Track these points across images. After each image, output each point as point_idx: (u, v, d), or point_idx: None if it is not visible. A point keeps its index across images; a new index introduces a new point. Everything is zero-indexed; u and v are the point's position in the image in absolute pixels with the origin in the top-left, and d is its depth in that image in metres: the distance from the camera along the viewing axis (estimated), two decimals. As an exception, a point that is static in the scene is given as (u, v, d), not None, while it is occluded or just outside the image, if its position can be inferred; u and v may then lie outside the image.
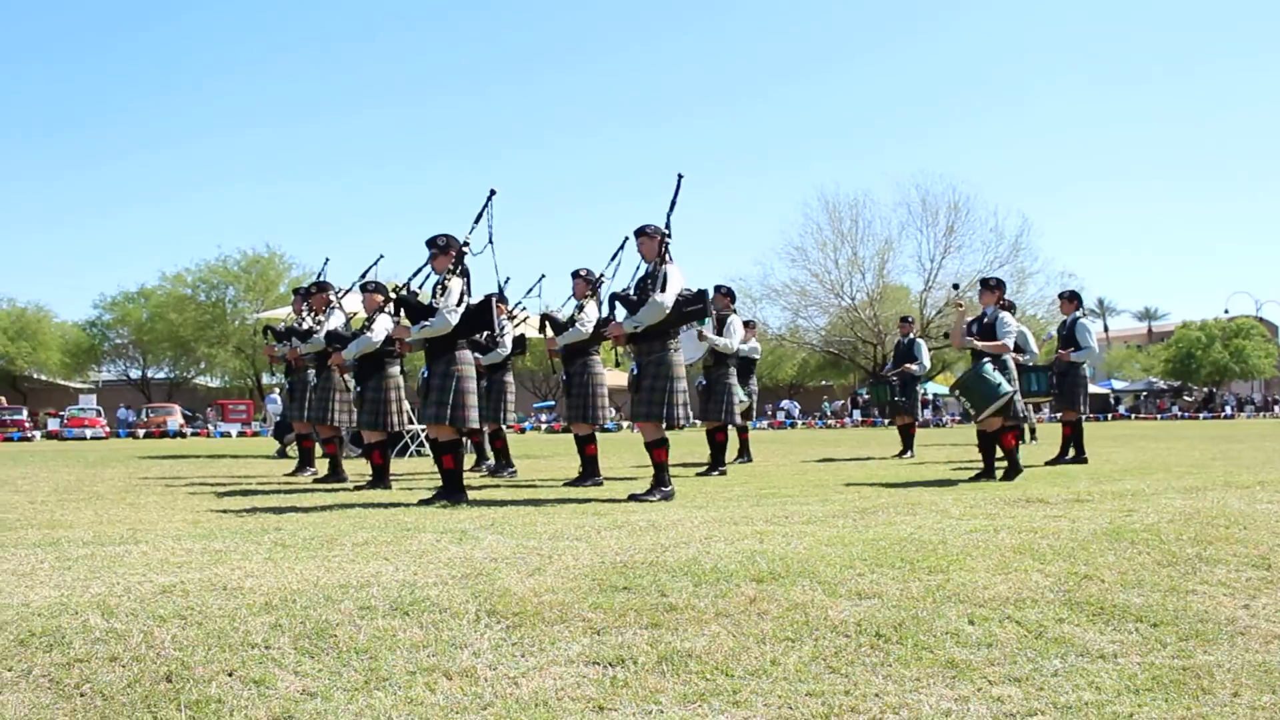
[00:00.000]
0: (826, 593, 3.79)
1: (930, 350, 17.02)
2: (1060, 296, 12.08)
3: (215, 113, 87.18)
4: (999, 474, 8.94)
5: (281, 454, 15.77)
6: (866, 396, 43.41)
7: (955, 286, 10.84)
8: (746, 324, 12.48)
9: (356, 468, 11.09)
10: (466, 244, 7.40)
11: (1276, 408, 58.71)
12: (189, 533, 5.41)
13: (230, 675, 2.91)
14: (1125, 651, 3.29)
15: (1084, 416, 11.50)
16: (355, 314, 10.85)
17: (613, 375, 11.74)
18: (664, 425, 7.45)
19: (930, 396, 45.27)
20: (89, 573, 4.07)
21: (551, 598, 3.62)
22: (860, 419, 44.21)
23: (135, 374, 57.41)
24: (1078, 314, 11.55)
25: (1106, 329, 76.57)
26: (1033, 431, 16.38)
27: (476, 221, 7.40)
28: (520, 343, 10.97)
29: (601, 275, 9.19)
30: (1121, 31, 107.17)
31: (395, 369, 9.11)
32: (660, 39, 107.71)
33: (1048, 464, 11.07)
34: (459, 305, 7.24)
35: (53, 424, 37.68)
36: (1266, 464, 10.30)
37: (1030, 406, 11.81)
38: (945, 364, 46.33)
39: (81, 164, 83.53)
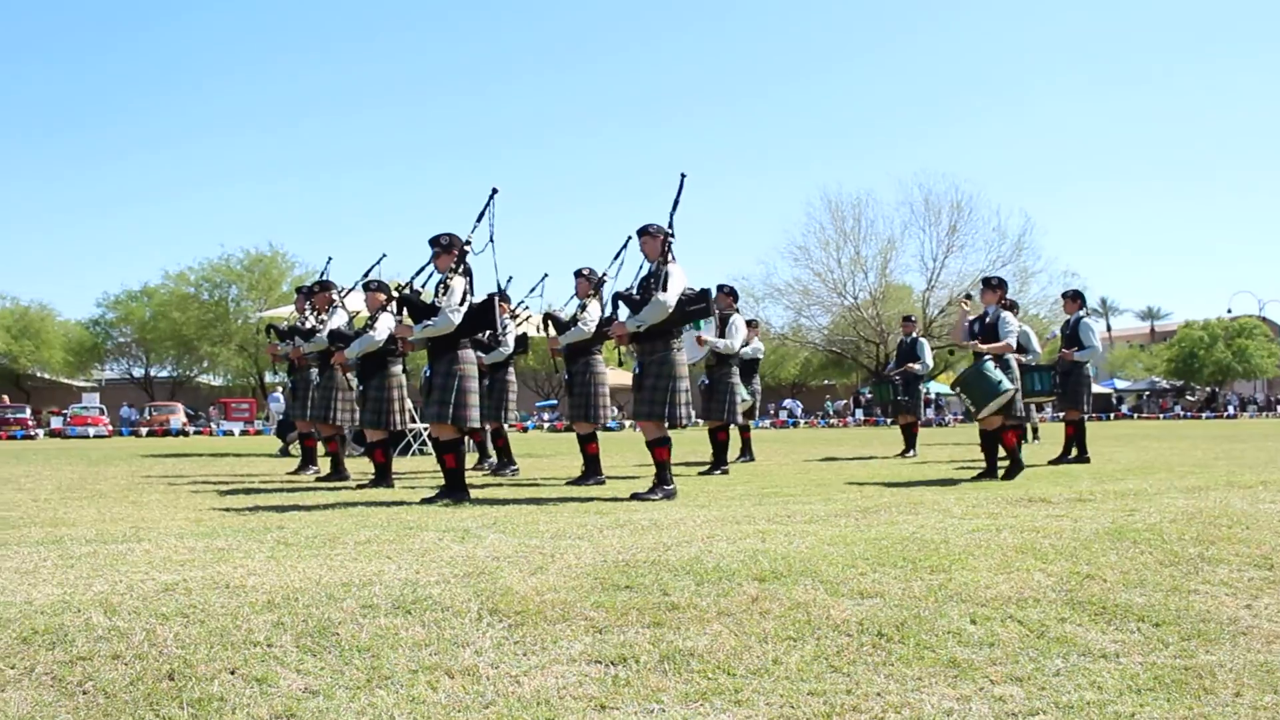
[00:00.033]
0: (829, 592, 3.79)
1: (933, 349, 17.00)
2: (1063, 296, 12.07)
3: (218, 112, 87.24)
4: (1001, 473, 8.94)
5: (284, 452, 15.78)
6: (869, 396, 43.43)
7: (968, 297, 10.86)
8: (749, 323, 12.47)
9: (359, 466, 11.09)
10: (468, 243, 7.40)
11: (1279, 407, 58.66)
12: (191, 531, 5.42)
13: (232, 673, 2.91)
14: (1127, 651, 3.29)
15: (1086, 416, 11.50)
16: (358, 313, 10.85)
17: (616, 374, 11.75)
18: (665, 424, 7.45)
19: (933, 396, 45.25)
20: (92, 571, 4.08)
21: (553, 596, 3.62)
22: (863, 418, 44.20)
23: (138, 372, 57.46)
24: (1081, 313, 11.55)
25: (1109, 328, 76.50)
26: (1035, 431, 16.37)
27: (479, 220, 7.40)
28: (523, 341, 10.98)
29: (604, 275, 9.19)
30: (1123, 30, 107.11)
31: (398, 368, 9.12)
32: (662, 38, 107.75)
33: (1051, 463, 11.07)
34: (461, 304, 7.25)
35: (56, 422, 37.72)
36: (1269, 464, 10.29)
37: (1033, 406, 11.81)
38: (948, 363, 46.32)
39: (84, 163, 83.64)
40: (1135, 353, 69.30)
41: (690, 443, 16.59)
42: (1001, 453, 9.08)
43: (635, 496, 7.29)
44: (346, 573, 3.99)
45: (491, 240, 7.43)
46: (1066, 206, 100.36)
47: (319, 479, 9.96)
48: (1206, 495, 6.75)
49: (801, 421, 45.04)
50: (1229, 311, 61.30)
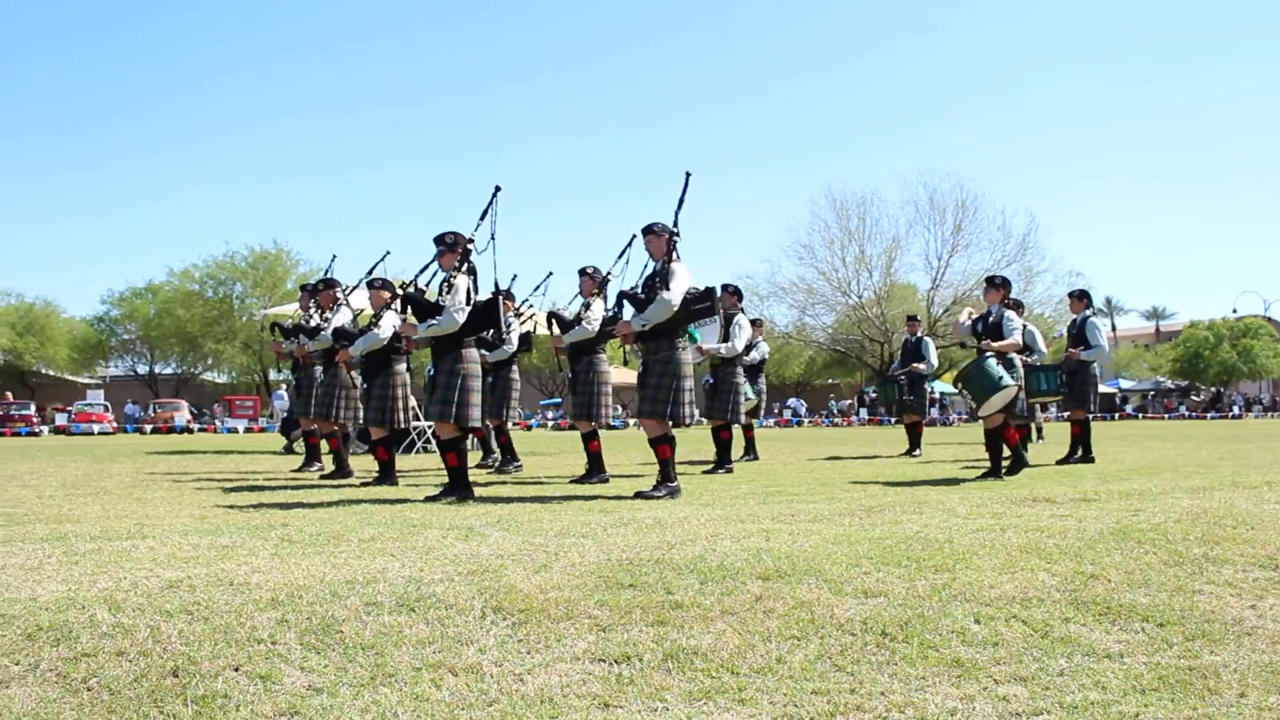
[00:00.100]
0: (832, 591, 3.79)
1: (938, 349, 17.01)
2: (1070, 295, 12.06)
3: (223, 109, 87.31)
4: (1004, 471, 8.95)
5: (288, 450, 15.81)
6: (874, 395, 43.43)
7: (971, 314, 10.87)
8: (754, 322, 12.46)
9: (363, 464, 11.10)
10: (472, 241, 7.41)
11: (1284, 408, 58.64)
12: (196, 528, 5.42)
13: (236, 670, 2.92)
14: (1131, 651, 3.29)
15: (1091, 416, 11.49)
16: (362, 311, 10.88)
17: (620, 373, 11.75)
18: (668, 422, 7.45)
19: (937, 395, 45.23)
20: (96, 567, 4.08)
21: (557, 595, 3.62)
22: (867, 417, 44.19)
23: (143, 370, 57.52)
24: (1087, 313, 11.54)
25: (1114, 328, 76.39)
26: (1039, 431, 16.35)
27: (482, 218, 7.41)
28: (526, 340, 10.98)
29: (609, 273, 9.19)
30: (1128, 29, 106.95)
31: (401, 366, 9.13)
32: (666, 36, 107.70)
33: (1058, 463, 11.06)
34: (465, 303, 7.26)
35: (60, 419, 37.83)
36: (1274, 464, 10.28)
37: (1037, 406, 11.80)
38: (952, 362, 46.29)
39: (89, 160, 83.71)
40: (1140, 353, 69.22)
41: (694, 441, 16.59)
42: (1006, 451, 9.08)
43: (639, 495, 7.29)
44: (350, 570, 3.99)
45: (493, 238, 7.44)
46: (1071, 206, 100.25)
47: (323, 476, 9.97)
48: (1211, 495, 6.74)
49: (806, 420, 45.03)
50: (1234, 311, 61.21)
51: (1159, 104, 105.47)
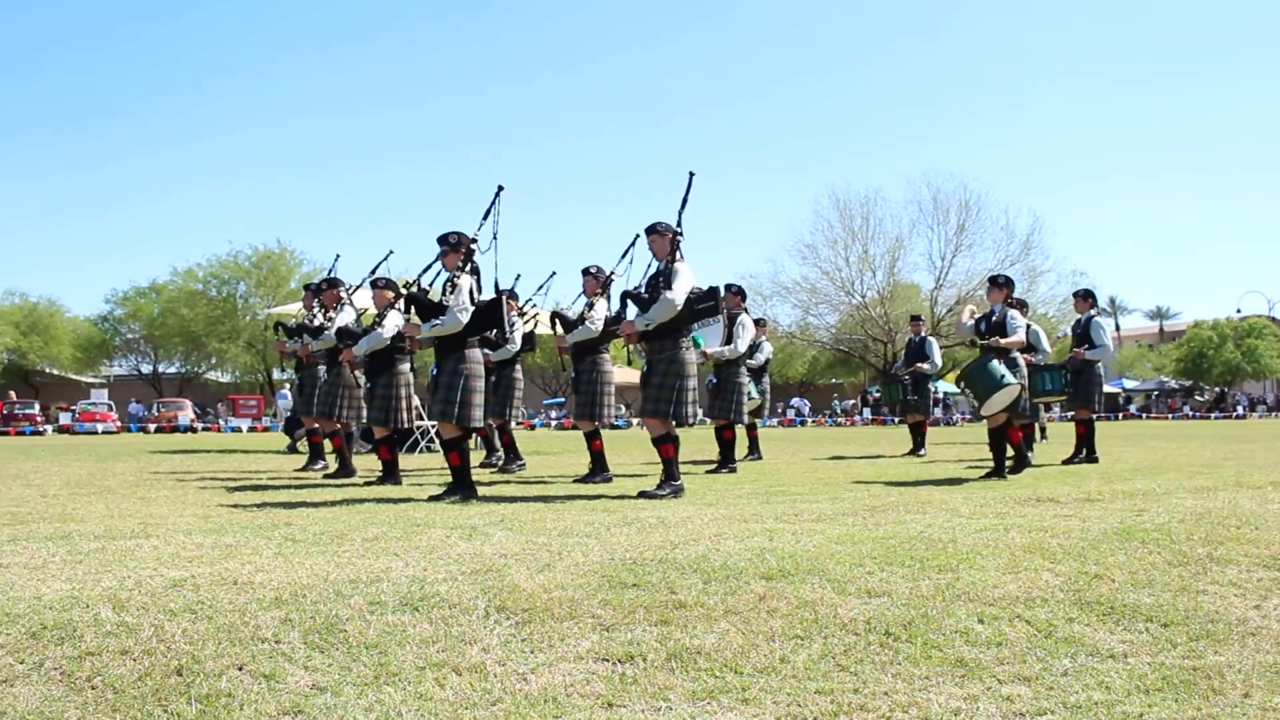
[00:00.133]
0: (836, 591, 3.79)
1: (941, 349, 17.00)
2: (1075, 295, 12.05)
3: (226, 109, 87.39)
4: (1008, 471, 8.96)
5: (292, 449, 15.82)
6: (877, 395, 43.37)
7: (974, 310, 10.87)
8: (757, 322, 12.47)
9: (368, 463, 11.11)
10: (475, 241, 7.41)
11: (1289, 408, 58.54)
12: (200, 527, 5.43)
13: (240, 669, 2.92)
14: (1135, 651, 3.29)
15: (1095, 416, 11.47)
16: (366, 310, 10.88)
17: (623, 372, 11.75)
18: (671, 422, 7.45)
19: (941, 395, 45.21)
20: (100, 566, 4.09)
21: (561, 594, 3.62)
22: (870, 417, 44.16)
23: (146, 369, 57.60)
24: (1092, 312, 11.52)
25: (1118, 328, 76.34)
26: (1043, 431, 16.34)
27: (485, 218, 7.41)
28: (530, 339, 10.99)
29: (612, 273, 9.20)
30: (1132, 28, 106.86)
31: (405, 366, 9.14)
32: (671, 35, 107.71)
33: (1064, 463, 11.04)
34: (469, 303, 7.26)
35: (64, 418, 37.87)
36: (1278, 464, 10.26)
37: (1041, 406, 11.79)
38: (956, 362, 46.26)
39: (93, 160, 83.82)
40: (1144, 352, 69.14)
41: (697, 441, 16.58)
42: (1009, 450, 9.08)
43: (643, 494, 7.29)
44: (354, 570, 3.99)
45: (495, 238, 7.44)
46: (1075, 205, 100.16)
47: (326, 476, 9.98)
48: (1215, 495, 6.74)
49: (809, 420, 45.01)
50: (1238, 311, 61.16)
51: (1163, 103, 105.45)
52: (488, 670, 3.00)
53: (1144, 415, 52.79)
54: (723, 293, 8.01)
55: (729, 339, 10.58)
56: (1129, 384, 65.39)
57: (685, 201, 7.38)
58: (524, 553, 4.39)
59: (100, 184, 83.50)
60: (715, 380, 10.87)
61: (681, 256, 7.35)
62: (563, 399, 47.45)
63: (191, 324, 49.24)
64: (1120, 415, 49.85)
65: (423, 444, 15.30)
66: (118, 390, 51.12)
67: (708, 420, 11.27)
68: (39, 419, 37.32)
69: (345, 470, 9.87)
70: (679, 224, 7.37)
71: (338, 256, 11.34)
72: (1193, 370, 61.84)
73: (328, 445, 11.00)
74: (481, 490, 7.53)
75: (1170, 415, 52.12)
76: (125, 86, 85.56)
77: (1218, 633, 3.49)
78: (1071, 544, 4.72)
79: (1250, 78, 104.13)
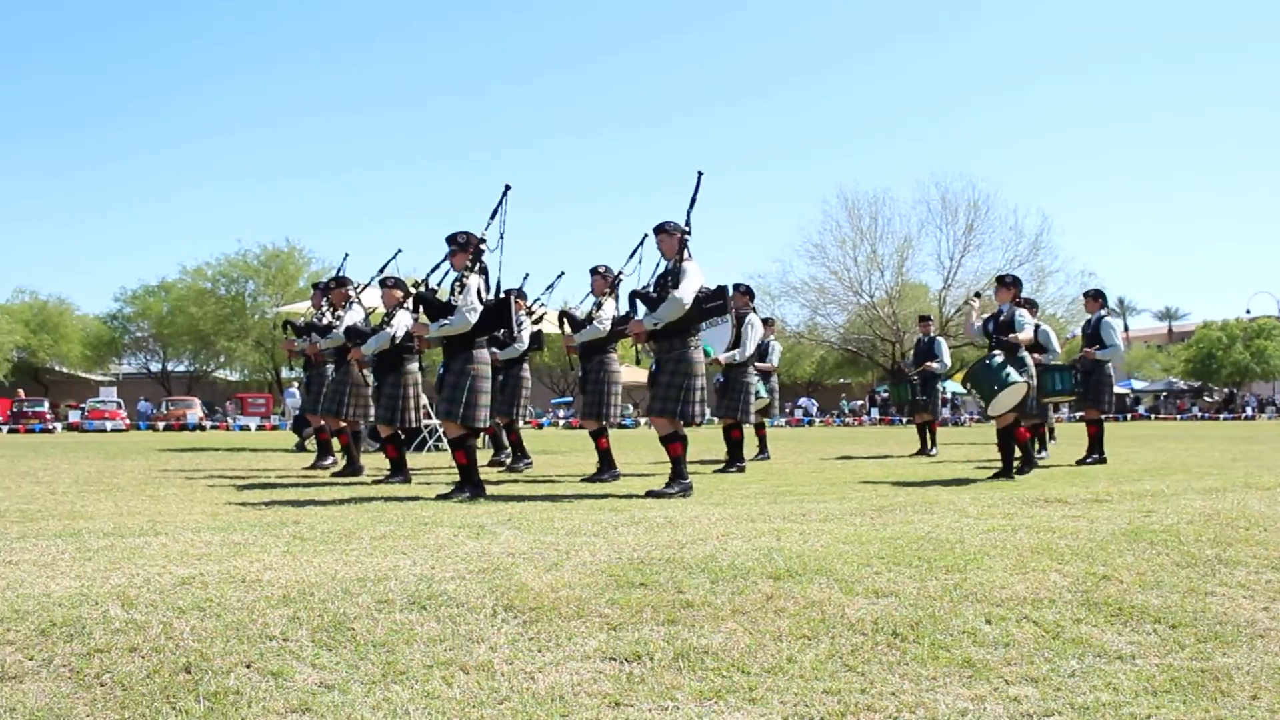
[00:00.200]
0: (843, 591, 3.78)
1: (950, 349, 17.00)
2: (1085, 295, 12.03)
3: (235, 108, 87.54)
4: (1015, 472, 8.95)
5: (300, 448, 15.85)
6: (885, 395, 43.33)
7: (977, 295, 10.79)
8: (765, 321, 12.46)
9: (376, 462, 11.13)
10: (484, 240, 7.42)
11: (1298, 409, 58.34)
12: (208, 525, 5.44)
13: (248, 667, 2.93)
14: (1143, 653, 3.28)
15: (1105, 416, 11.44)
16: (374, 309, 10.89)
17: (631, 371, 11.75)
18: (679, 421, 7.45)
19: (949, 395, 45.15)
20: (109, 564, 4.10)
21: (568, 593, 3.63)
22: (878, 417, 44.12)
23: (155, 367, 57.76)
24: (1102, 312, 11.50)
25: (1127, 328, 76.15)
26: (1051, 432, 16.32)
27: (492, 217, 7.42)
28: (538, 339, 10.99)
29: (620, 272, 9.20)
30: (1141, 28, 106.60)
31: (413, 365, 9.14)
32: (678, 34, 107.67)
33: (1077, 463, 11.01)
34: (477, 303, 7.27)
35: (73, 416, 37.98)
36: (1288, 466, 10.23)
37: (1049, 406, 11.76)
38: (964, 362, 46.20)
39: (102, 158, 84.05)
40: (1153, 353, 68.98)
41: (705, 440, 16.58)
42: (1018, 452, 9.07)
43: (651, 494, 7.29)
44: (362, 568, 4.00)
45: (502, 237, 7.46)
46: (1084, 205, 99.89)
47: (334, 474, 10.00)
48: (1224, 497, 6.72)
49: (817, 420, 44.99)
50: (1248, 312, 60.93)
51: (1172, 103, 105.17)
52: (495, 669, 3.00)
53: (1152, 416, 52.68)
54: (731, 292, 8.01)
55: (737, 339, 10.57)
56: (1137, 385, 65.23)
57: (694, 201, 7.38)
58: (531, 552, 4.39)
59: (109, 183, 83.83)
60: (723, 380, 10.87)
61: (690, 256, 7.35)
62: (571, 398, 47.46)
63: (200, 322, 49.39)
64: (1129, 416, 49.75)
65: (430, 442, 15.32)
66: (126, 388, 51.28)
67: (715, 420, 11.27)
68: (48, 416, 37.49)
69: (352, 468, 9.88)
70: (687, 223, 7.37)
71: (346, 255, 11.33)
72: (1201, 371, 61.69)
73: (335, 443, 11.02)
74: (489, 489, 7.54)
75: (1179, 416, 52.02)
76: (134, 86, 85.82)
77: (1226, 634, 3.48)
78: (1079, 545, 4.71)
79: (1259, 77, 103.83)
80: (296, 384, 24.20)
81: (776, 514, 5.87)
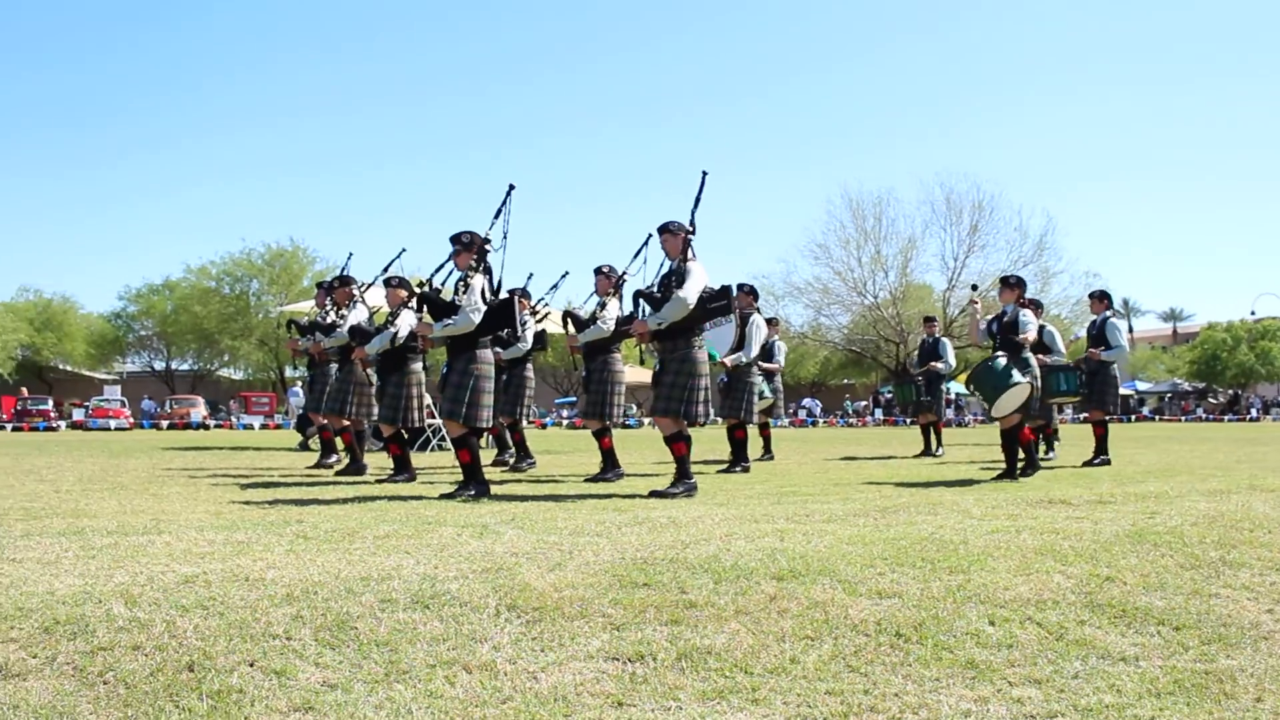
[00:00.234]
0: (847, 591, 3.78)
1: (955, 349, 16.99)
2: (1090, 296, 12.01)
3: (239, 106, 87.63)
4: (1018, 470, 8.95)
5: (304, 446, 15.86)
6: (889, 395, 43.30)
7: (974, 287, 10.81)
8: (770, 321, 12.45)
9: (379, 461, 11.14)
10: (488, 240, 7.42)
11: (1302, 411, 58.26)
12: (211, 524, 5.45)
13: (252, 666, 2.93)
14: (1147, 654, 3.28)
15: (1109, 417, 11.42)
16: (378, 308, 10.90)
17: (635, 371, 11.75)
18: (683, 421, 7.45)
19: (953, 396, 45.12)
20: (113, 562, 4.10)
21: (571, 593, 3.62)
22: (882, 418, 44.08)
23: (159, 366, 57.83)
24: (1108, 313, 11.49)
25: (1131, 329, 76.04)
26: (1055, 433, 16.29)
27: (496, 216, 7.43)
28: (541, 338, 11.00)
29: (625, 273, 9.20)
30: (1147, 29, 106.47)
31: (417, 365, 9.14)
32: (682, 33, 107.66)
33: (1085, 464, 10.99)
34: (481, 303, 7.28)
35: (77, 414, 38.03)
36: (1292, 467, 10.21)
37: (1053, 407, 11.74)
38: (968, 363, 46.13)
39: (107, 157, 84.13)
40: (1157, 354, 68.90)
41: (709, 441, 16.58)
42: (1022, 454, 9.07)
43: (654, 494, 7.29)
44: (365, 567, 4.00)
45: (505, 237, 7.46)
46: (1088, 206, 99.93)
47: (338, 473, 10.00)
48: (1228, 498, 6.71)
49: (820, 421, 44.96)
50: (1252, 313, 60.82)
51: (1177, 104, 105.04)
52: (498, 668, 3.00)
53: (1157, 417, 52.60)
54: (735, 292, 8.00)
55: (741, 339, 10.56)
56: (1142, 386, 65.17)
57: (698, 201, 7.38)
58: (535, 551, 4.39)
59: (114, 182, 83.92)
60: (726, 379, 10.86)
61: (694, 256, 7.35)
62: (574, 398, 47.46)
63: (204, 321, 49.45)
64: (1133, 417, 49.68)
65: (434, 442, 15.33)
66: (131, 387, 51.32)
67: (719, 420, 11.27)
68: (52, 415, 37.51)
69: (355, 467, 9.89)
70: (692, 223, 7.37)
71: (350, 254, 11.35)
72: (1206, 372, 61.59)
73: (339, 442, 11.03)
74: (493, 489, 7.54)
75: (1183, 417, 51.93)
76: (139, 85, 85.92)
77: (1230, 636, 3.47)
78: (1083, 546, 4.70)
79: (1265, 79, 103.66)
80: (300, 383, 24.22)
81: (780, 514, 5.86)
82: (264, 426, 36.35)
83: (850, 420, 45.62)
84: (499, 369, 9.53)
